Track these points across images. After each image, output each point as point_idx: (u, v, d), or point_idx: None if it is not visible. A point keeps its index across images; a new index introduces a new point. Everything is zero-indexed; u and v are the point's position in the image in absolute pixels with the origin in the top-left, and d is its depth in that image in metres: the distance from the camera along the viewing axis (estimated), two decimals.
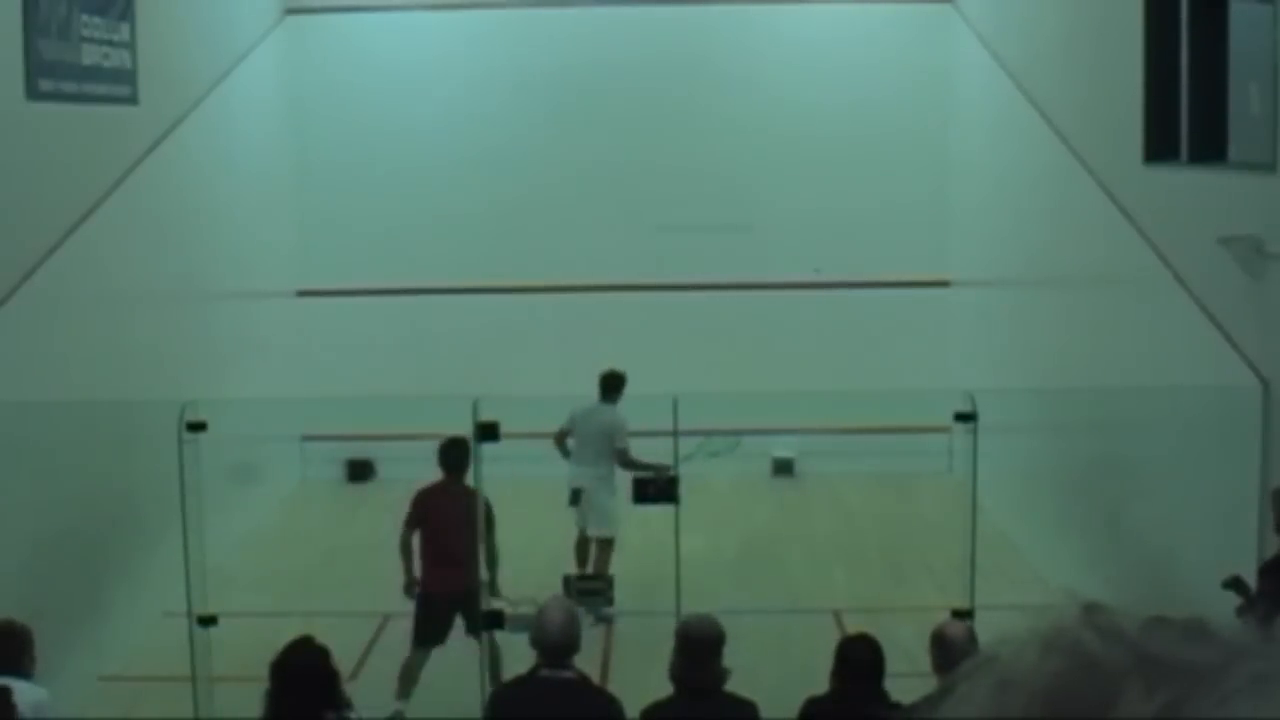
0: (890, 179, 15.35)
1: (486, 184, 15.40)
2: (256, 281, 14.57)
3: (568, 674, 5.81)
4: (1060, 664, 0.89)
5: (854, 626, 9.40)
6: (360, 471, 15.64)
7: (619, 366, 11.44)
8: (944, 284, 15.44)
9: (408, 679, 9.36)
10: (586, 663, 6.18)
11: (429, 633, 9.39)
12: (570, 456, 11.34)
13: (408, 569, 9.56)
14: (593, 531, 11.28)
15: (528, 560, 11.38)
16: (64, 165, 10.01)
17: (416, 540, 9.57)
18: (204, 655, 8.90)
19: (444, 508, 9.42)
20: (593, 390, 11.49)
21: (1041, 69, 12.41)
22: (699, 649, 5.85)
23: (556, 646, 5.81)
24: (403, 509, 9.82)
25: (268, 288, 14.97)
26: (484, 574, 9.09)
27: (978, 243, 14.68)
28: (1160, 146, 9.64)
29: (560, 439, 11.39)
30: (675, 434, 9.45)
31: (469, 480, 9.34)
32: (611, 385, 11.33)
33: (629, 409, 11.37)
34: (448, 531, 9.31)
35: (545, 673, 5.80)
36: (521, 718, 5.90)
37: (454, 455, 9.54)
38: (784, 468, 15.45)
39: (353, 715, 5.71)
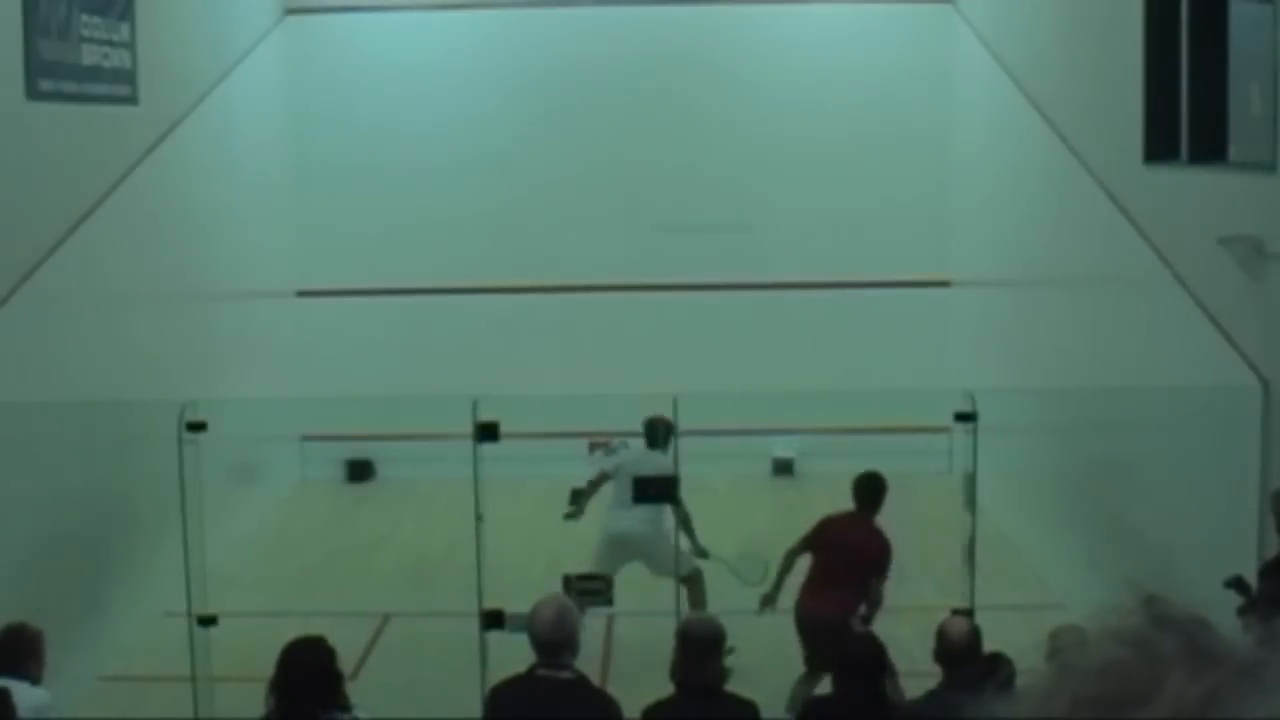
0: (890, 179, 15.35)
1: (486, 184, 15.39)
2: (256, 281, 14.56)
3: (566, 674, 5.79)
4: (1114, 648, 0.95)
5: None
6: (360, 471, 15.64)
7: (661, 412, 10.30)
8: (944, 284, 15.44)
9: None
10: (586, 663, 6.17)
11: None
12: (612, 504, 10.37)
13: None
14: (683, 573, 10.06)
15: (527, 560, 11.38)
16: (64, 165, 10.01)
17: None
18: (204, 655, 8.90)
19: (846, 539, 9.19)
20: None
21: (1041, 69, 12.41)
22: (699, 649, 5.84)
23: (548, 644, 5.79)
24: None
25: (268, 288, 14.97)
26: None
27: (978, 243, 14.68)
28: (1160, 146, 9.63)
29: (599, 483, 10.51)
30: (675, 434, 9.45)
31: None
32: (662, 431, 10.27)
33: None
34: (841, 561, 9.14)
35: (542, 672, 5.79)
36: (519, 718, 5.90)
37: (864, 490, 9.35)
38: (784, 468, 15.44)
39: (348, 717, 5.70)
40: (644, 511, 10.04)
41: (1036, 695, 0.97)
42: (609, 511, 10.35)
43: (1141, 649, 0.93)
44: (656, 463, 10.15)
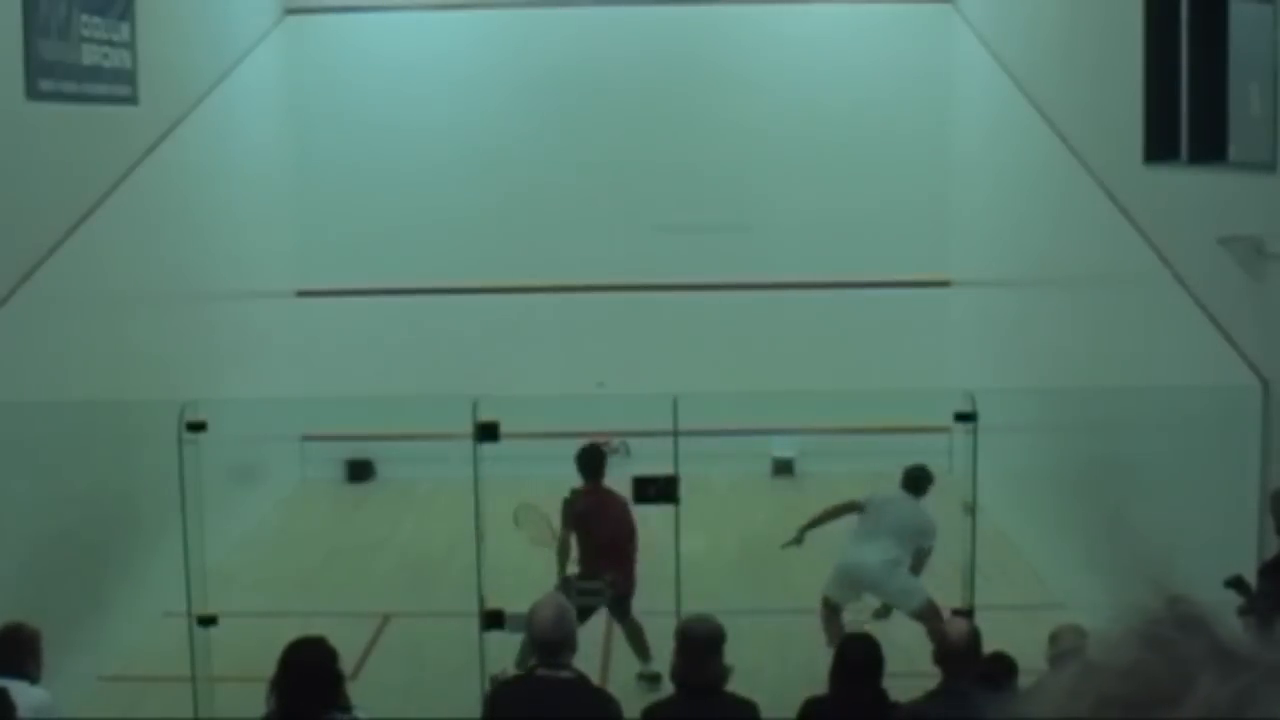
0: (890, 179, 15.35)
1: (486, 184, 15.40)
2: (256, 281, 14.56)
3: (566, 673, 5.80)
4: (1140, 649, 0.94)
5: (854, 626, 9.40)
6: (360, 471, 15.63)
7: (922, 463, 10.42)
8: (944, 284, 15.44)
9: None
10: (586, 662, 6.17)
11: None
12: (857, 535, 10.16)
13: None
14: (914, 608, 9.81)
15: (527, 560, 11.38)
16: (64, 165, 10.01)
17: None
18: (204, 655, 8.90)
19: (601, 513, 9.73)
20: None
21: (1041, 69, 12.41)
22: (699, 649, 5.84)
23: (549, 644, 5.79)
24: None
25: (268, 288, 14.97)
26: None
27: (978, 243, 14.68)
28: (1160, 146, 9.63)
29: (843, 511, 10.32)
30: (675, 434, 9.44)
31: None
32: (921, 481, 10.21)
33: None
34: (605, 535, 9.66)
35: (542, 672, 5.79)
36: (519, 718, 5.90)
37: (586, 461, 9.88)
38: (784, 468, 15.44)
39: (348, 717, 5.70)
40: (883, 549, 9.91)
41: (1060, 694, 0.96)
42: (851, 541, 10.17)
43: (1168, 651, 0.93)
44: (912, 510, 10.05)
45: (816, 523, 10.24)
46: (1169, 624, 0.95)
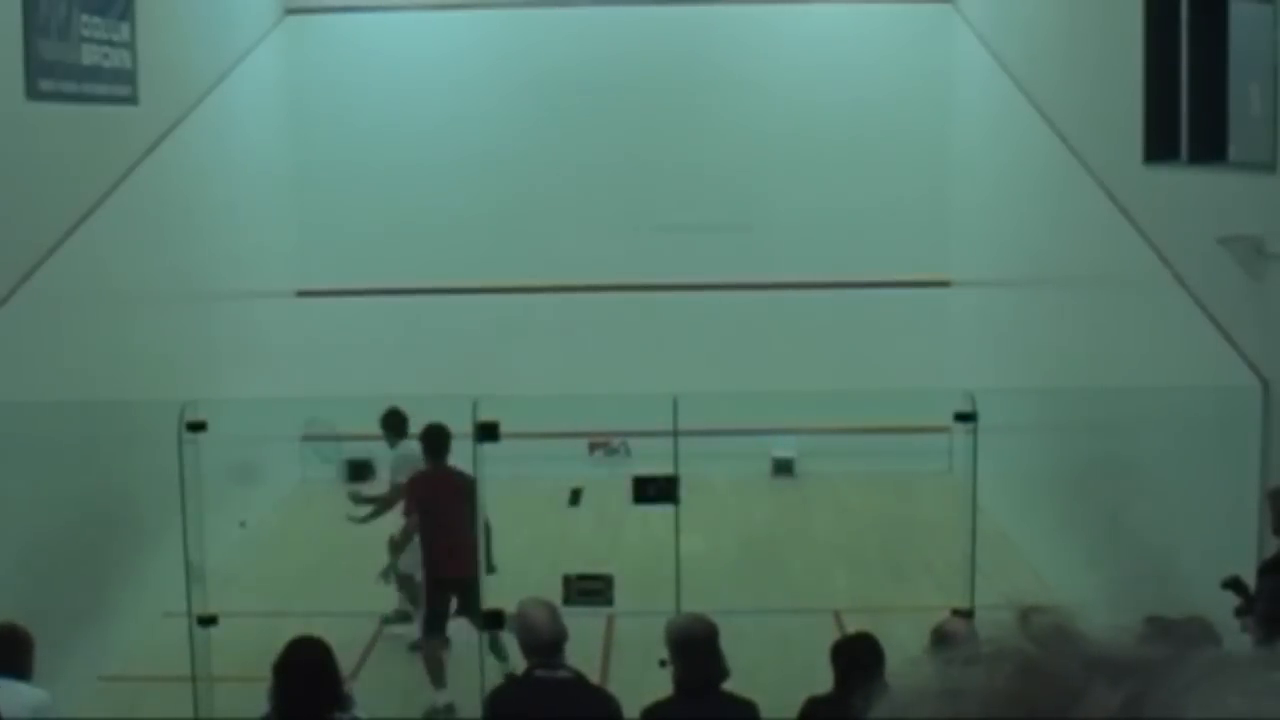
0: (890, 179, 15.35)
1: (486, 184, 15.40)
2: (256, 281, 14.56)
3: (564, 673, 5.80)
4: (1010, 670, 0.88)
5: (854, 626, 9.40)
6: (360, 471, 15.61)
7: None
8: (944, 284, 15.44)
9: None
10: (586, 662, 6.16)
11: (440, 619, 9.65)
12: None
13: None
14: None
15: (527, 560, 11.38)
16: (64, 165, 10.00)
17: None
18: (204, 655, 8.90)
19: (441, 493, 9.63)
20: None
21: (1041, 69, 12.41)
22: (695, 649, 5.84)
23: (547, 644, 5.80)
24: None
25: (267, 288, 14.97)
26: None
27: (978, 243, 14.68)
28: (1160, 146, 9.63)
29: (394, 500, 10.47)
30: (675, 434, 9.45)
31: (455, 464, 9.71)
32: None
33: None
34: (449, 515, 9.51)
35: (541, 673, 5.79)
36: (519, 718, 5.90)
37: (434, 440, 9.83)
38: (784, 468, 15.44)
39: (348, 717, 5.70)
40: None
41: (925, 715, 0.89)
42: None
43: (1039, 670, 0.87)
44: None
45: (379, 513, 10.77)
46: (1026, 642, 0.89)
